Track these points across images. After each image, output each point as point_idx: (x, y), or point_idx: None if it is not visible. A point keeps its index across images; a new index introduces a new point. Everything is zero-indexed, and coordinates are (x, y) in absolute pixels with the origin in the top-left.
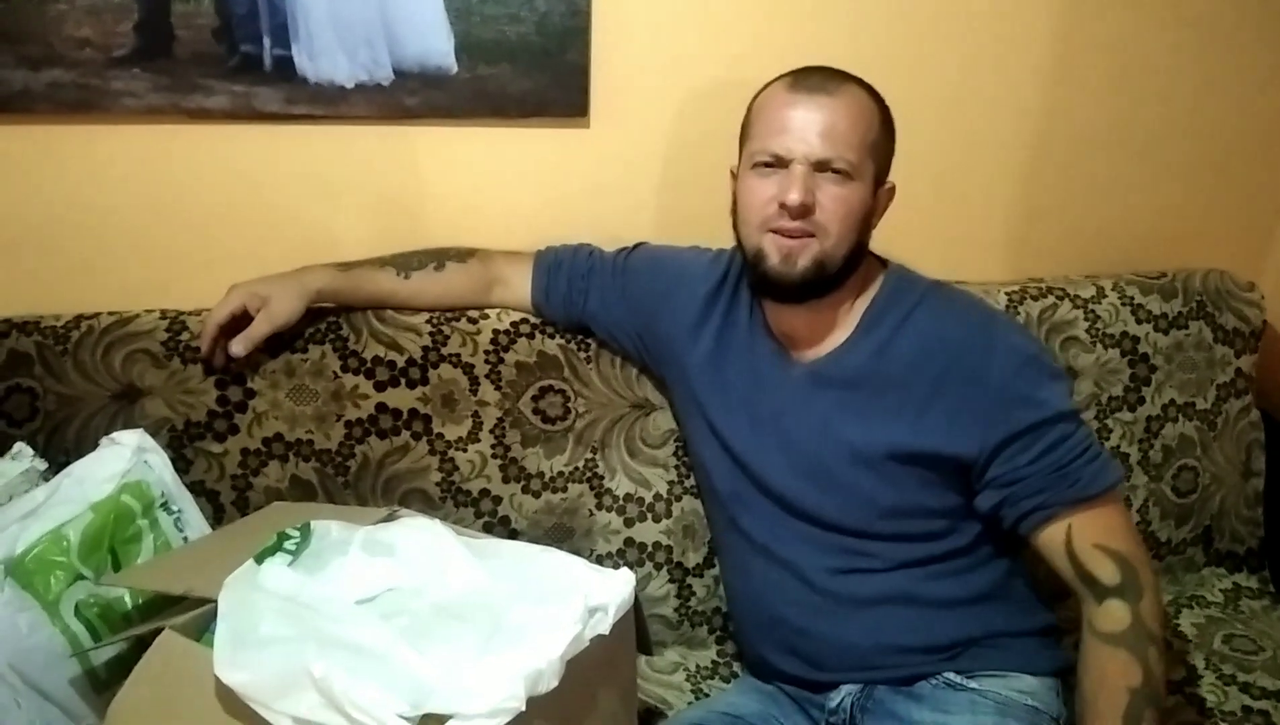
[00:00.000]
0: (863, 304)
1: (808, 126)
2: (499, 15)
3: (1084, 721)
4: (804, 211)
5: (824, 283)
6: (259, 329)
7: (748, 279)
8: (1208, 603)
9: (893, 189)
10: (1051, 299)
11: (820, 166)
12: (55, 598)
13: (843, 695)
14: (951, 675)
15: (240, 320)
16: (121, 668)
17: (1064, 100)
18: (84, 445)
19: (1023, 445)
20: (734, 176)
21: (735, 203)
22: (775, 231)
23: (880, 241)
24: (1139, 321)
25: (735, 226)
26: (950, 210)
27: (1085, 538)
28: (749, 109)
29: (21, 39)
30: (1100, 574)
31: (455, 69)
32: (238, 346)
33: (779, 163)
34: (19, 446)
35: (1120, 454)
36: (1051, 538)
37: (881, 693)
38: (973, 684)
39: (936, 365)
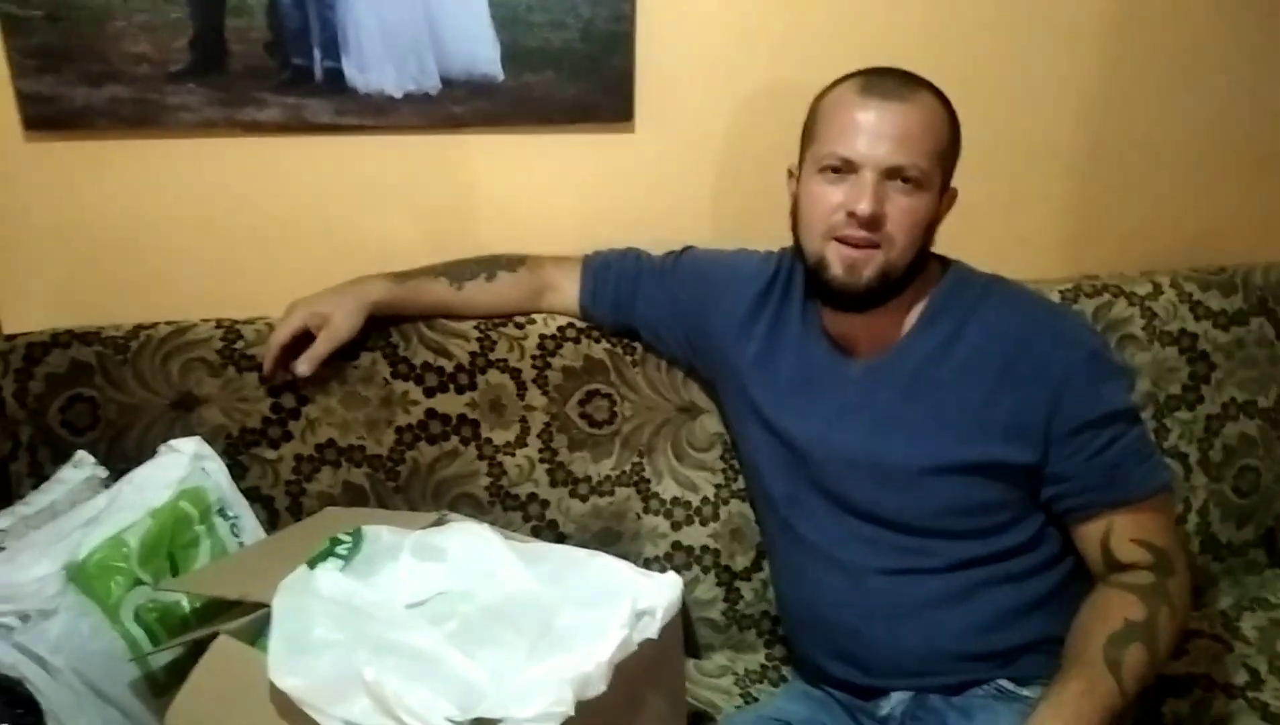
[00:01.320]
0: (921, 303)
1: (880, 132)
2: (544, 23)
3: (1069, 642)
4: (874, 222)
5: (887, 291)
6: (322, 348)
7: (810, 285)
8: (1271, 605)
9: (955, 194)
10: (1107, 296)
11: (890, 174)
12: (116, 602)
13: (893, 704)
14: (1004, 683)
15: (301, 338)
16: (179, 671)
17: (1119, 95)
18: (143, 453)
19: (1078, 443)
20: (791, 176)
21: (795, 205)
22: (840, 240)
23: (935, 240)
24: (1197, 318)
25: (795, 229)
26: (1004, 207)
27: (1123, 535)
28: (814, 109)
29: (82, 57)
30: (1132, 560)
31: (501, 77)
32: (303, 367)
33: (847, 168)
34: (80, 454)
35: (1179, 454)
36: (1090, 532)
37: (934, 701)
38: (1025, 692)
39: (999, 360)
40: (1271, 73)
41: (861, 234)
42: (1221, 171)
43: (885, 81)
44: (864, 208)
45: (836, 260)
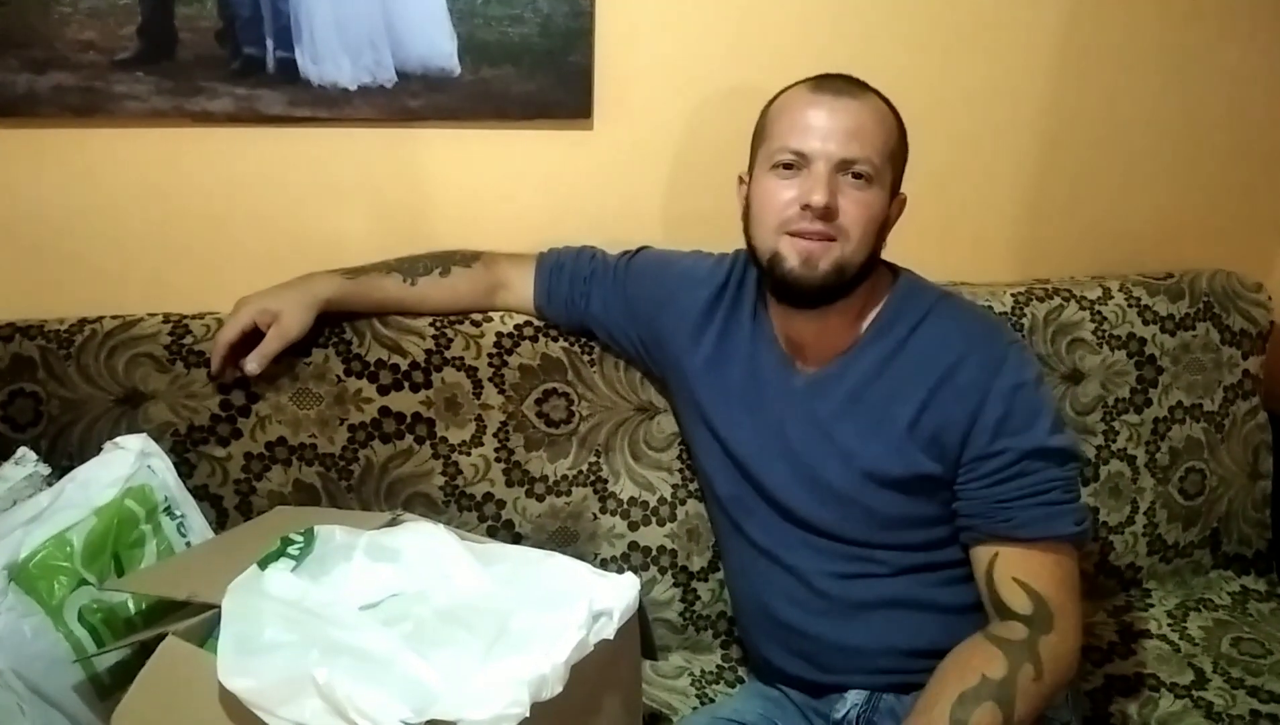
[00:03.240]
0: (871, 313)
1: (833, 126)
2: (502, 17)
3: (925, 688)
4: (828, 213)
5: (841, 287)
6: (271, 346)
7: (765, 283)
8: (1215, 606)
9: (904, 200)
10: (1058, 300)
11: (843, 167)
12: (59, 603)
13: (849, 705)
14: None
15: (250, 335)
16: (125, 673)
17: (1070, 101)
18: (87, 450)
19: (982, 468)
20: (742, 182)
21: (747, 207)
22: (795, 234)
23: (889, 244)
24: (1146, 323)
25: (747, 231)
26: (956, 212)
27: (1006, 570)
28: (765, 113)
29: (26, 42)
30: (1011, 602)
31: (458, 71)
32: (253, 365)
33: (800, 163)
34: (23, 451)
35: (1127, 457)
36: (977, 558)
37: (888, 701)
38: None
39: (933, 377)
40: (1222, 83)
41: (817, 226)
42: (1170, 179)
43: (835, 81)
44: (818, 199)
45: (792, 253)
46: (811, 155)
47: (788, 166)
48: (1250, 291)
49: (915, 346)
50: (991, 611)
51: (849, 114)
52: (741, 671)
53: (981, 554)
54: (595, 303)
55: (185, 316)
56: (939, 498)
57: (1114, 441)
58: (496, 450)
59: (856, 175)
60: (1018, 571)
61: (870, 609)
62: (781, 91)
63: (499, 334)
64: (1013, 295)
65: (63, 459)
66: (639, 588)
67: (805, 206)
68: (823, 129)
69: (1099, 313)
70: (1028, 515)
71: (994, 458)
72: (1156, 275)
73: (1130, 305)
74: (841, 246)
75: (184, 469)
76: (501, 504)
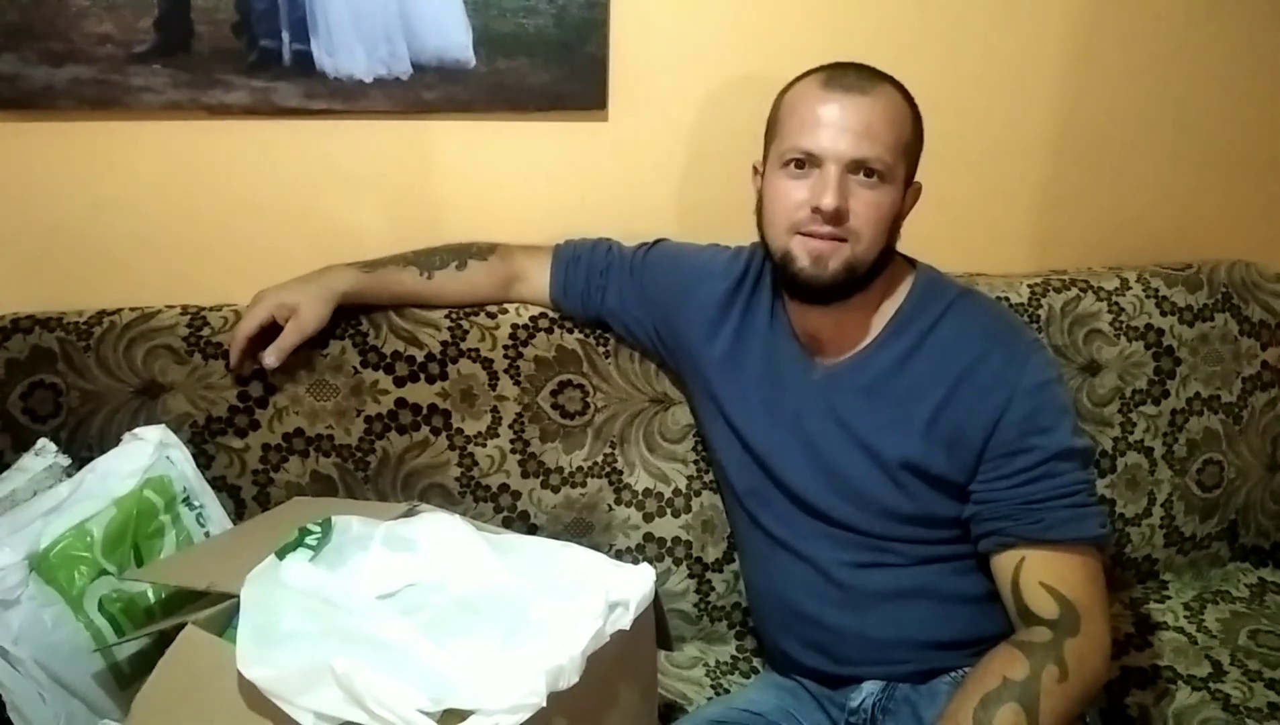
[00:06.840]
0: (889, 308)
1: (844, 125)
2: (517, 8)
3: (948, 700)
4: (838, 216)
5: (854, 284)
6: (289, 339)
7: (779, 279)
8: (1233, 598)
9: (919, 188)
10: (1075, 291)
11: (853, 168)
12: (79, 593)
13: (864, 695)
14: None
15: (268, 329)
16: (145, 663)
17: (1086, 91)
18: (107, 441)
19: (1008, 467)
20: (757, 173)
21: (760, 201)
22: (805, 235)
23: (904, 235)
24: (1163, 314)
25: (760, 225)
26: (973, 202)
27: (1034, 574)
28: (777, 105)
29: (43, 35)
30: (1039, 608)
31: (473, 63)
32: (271, 358)
33: (810, 162)
34: (43, 442)
35: (1144, 448)
36: (1002, 565)
37: (903, 691)
38: None
39: (953, 373)
40: (1241, 71)
41: (826, 229)
42: (1189, 169)
43: (847, 75)
44: (828, 202)
45: (802, 252)
46: (822, 156)
47: (799, 165)
48: (1269, 282)
49: (936, 342)
50: (1017, 619)
51: (860, 111)
52: (756, 662)
53: (1006, 560)
54: (611, 295)
55: (203, 308)
56: (950, 500)
57: (1131, 433)
58: (512, 441)
59: (868, 173)
60: (1045, 575)
61: (888, 599)
62: (794, 82)
63: (514, 326)
64: (1029, 286)
65: (82, 450)
66: (654, 579)
67: (815, 209)
68: (833, 128)
69: (1116, 304)
70: (1057, 517)
71: (1021, 455)
72: (1175, 266)
73: (1148, 296)
74: (852, 247)
75: (202, 460)
76: (517, 495)
